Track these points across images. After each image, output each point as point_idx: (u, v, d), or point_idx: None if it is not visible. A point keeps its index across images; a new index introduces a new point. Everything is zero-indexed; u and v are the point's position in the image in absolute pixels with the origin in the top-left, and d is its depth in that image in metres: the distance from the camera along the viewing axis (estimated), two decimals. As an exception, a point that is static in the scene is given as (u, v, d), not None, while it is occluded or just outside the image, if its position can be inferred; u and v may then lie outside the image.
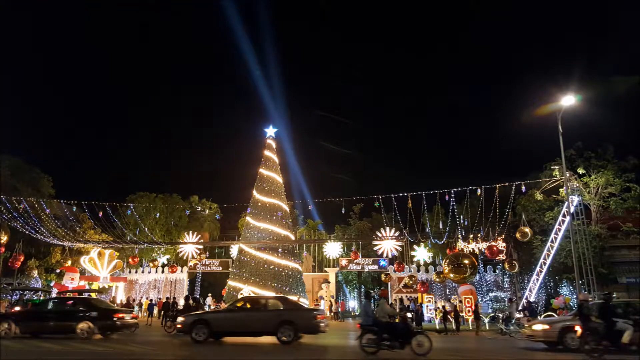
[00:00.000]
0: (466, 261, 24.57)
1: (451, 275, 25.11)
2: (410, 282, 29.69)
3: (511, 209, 29.01)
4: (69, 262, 34.45)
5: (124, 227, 34.99)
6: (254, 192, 32.69)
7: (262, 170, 33.12)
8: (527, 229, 26.23)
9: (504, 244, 28.29)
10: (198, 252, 34.50)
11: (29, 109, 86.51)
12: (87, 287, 31.49)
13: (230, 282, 30.61)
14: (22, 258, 30.37)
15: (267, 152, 33.74)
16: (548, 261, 27.38)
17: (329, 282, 34.03)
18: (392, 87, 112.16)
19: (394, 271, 31.20)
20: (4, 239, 29.66)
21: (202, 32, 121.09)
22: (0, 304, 26.48)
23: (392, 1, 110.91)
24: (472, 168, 75.57)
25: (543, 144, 70.83)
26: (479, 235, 29.37)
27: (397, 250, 31.40)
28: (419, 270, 32.08)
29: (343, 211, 33.10)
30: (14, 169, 35.92)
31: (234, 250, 35.56)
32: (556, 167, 28.37)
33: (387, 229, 31.20)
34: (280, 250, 30.86)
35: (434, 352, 10.73)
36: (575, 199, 26.43)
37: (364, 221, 43.83)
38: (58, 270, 35.91)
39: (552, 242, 27.33)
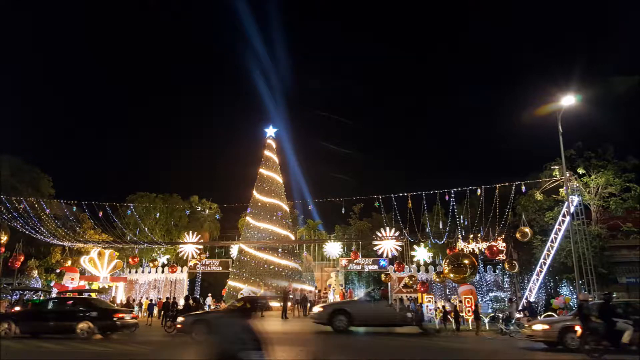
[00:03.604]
0: (466, 261, 24.56)
1: (451, 275, 25.11)
2: (410, 282, 29.69)
3: (511, 209, 29.00)
4: (69, 262, 34.42)
5: (124, 227, 35.00)
6: (254, 192, 32.71)
7: (262, 170, 33.14)
8: (527, 229, 26.22)
9: (504, 244, 28.30)
10: (198, 252, 34.52)
11: (29, 109, 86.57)
12: (87, 287, 31.49)
13: (230, 282, 30.64)
14: (22, 258, 30.36)
15: (267, 152, 33.75)
16: (548, 261, 27.37)
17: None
18: (392, 87, 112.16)
19: (394, 271, 31.21)
20: (4, 239, 29.65)
21: (202, 32, 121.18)
22: (0, 304, 26.48)
23: (392, 1, 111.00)
24: (472, 168, 75.56)
25: (543, 144, 70.84)
26: (479, 235, 29.39)
27: (397, 250, 31.40)
28: (419, 270, 32.08)
29: (343, 211, 33.18)
30: (14, 169, 35.89)
31: (234, 250, 35.59)
32: (556, 167, 28.36)
33: (387, 229, 31.22)
34: (280, 250, 30.90)
35: (433, 352, 10.73)
36: (575, 199, 26.42)
37: (364, 221, 43.85)
38: (58, 270, 35.89)
39: (552, 242, 27.31)
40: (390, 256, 32.06)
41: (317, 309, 15.16)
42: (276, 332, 15.37)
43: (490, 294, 32.08)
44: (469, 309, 23.76)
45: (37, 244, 35.24)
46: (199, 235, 36.90)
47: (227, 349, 3.38)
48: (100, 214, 31.97)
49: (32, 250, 35.41)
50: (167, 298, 24.89)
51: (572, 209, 24.68)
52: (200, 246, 35.21)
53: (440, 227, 30.75)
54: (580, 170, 29.17)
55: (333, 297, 29.56)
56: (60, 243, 34.48)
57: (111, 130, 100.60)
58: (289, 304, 23.08)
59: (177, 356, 11.71)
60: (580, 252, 23.94)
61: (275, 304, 26.05)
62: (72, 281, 31.75)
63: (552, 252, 27.29)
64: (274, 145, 34.38)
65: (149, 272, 36.03)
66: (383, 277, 31.77)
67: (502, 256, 27.98)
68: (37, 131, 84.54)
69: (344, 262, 33.50)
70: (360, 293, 44.05)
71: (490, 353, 11.89)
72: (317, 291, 29.49)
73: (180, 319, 14.79)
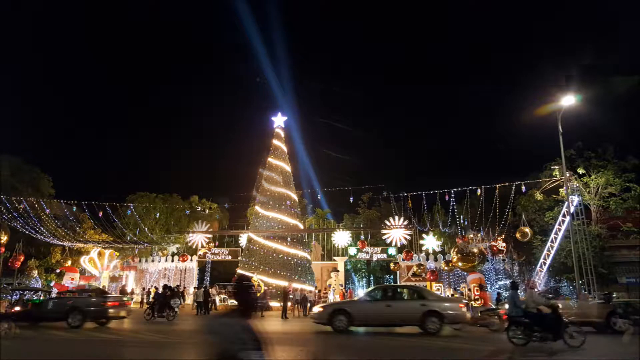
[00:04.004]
0: (475, 250, 24.62)
1: (460, 264, 25.11)
2: (419, 270, 29.59)
3: (511, 209, 29.02)
4: (69, 262, 34.48)
5: (124, 227, 35.03)
6: (263, 182, 33.16)
7: (271, 160, 33.45)
8: (527, 229, 26.24)
9: (504, 244, 28.31)
10: (207, 241, 35.03)
11: (29, 109, 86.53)
12: (87, 287, 31.51)
13: (239, 271, 30.72)
14: (22, 258, 30.39)
15: (275, 141, 33.87)
16: (548, 261, 27.39)
17: (337, 271, 33.70)
18: (391, 87, 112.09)
19: (403, 260, 31.15)
20: (4, 239, 29.63)
21: (202, 32, 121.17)
22: (0, 304, 26.46)
23: (392, 1, 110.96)
24: (472, 168, 75.42)
25: (543, 144, 70.74)
26: (479, 235, 29.40)
27: (405, 239, 31.41)
28: (427, 259, 32.04)
29: (352, 199, 33.34)
30: (14, 169, 35.88)
31: (243, 239, 35.84)
32: (556, 167, 28.38)
33: (396, 217, 31.30)
34: (289, 239, 31.02)
35: (433, 352, 10.72)
36: (575, 199, 26.43)
37: (372, 210, 43.63)
38: (58, 270, 35.92)
39: (552, 242, 27.33)
40: (399, 245, 32.08)
41: (317, 309, 15.19)
42: (276, 332, 15.38)
43: (500, 282, 32.12)
44: (478, 297, 23.78)
45: (37, 244, 35.26)
46: (208, 225, 37.46)
47: (227, 349, 3.36)
48: (100, 214, 32.02)
49: (32, 250, 35.43)
50: (167, 287, 22.62)
51: (572, 209, 24.69)
52: (210, 235, 35.76)
53: (440, 227, 30.74)
54: (580, 170, 29.17)
55: (333, 297, 29.53)
56: (60, 243, 34.51)
57: (111, 130, 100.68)
58: (289, 304, 23.06)
59: (177, 356, 11.69)
60: (580, 252, 23.95)
61: (275, 304, 26.06)
62: (72, 281, 31.77)
63: (552, 252, 27.31)
64: (282, 134, 34.42)
65: (159, 260, 36.21)
66: (392, 265, 31.83)
67: (502, 256, 28.00)
68: (37, 131, 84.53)
69: (353, 250, 33.51)
70: (360, 292, 44.11)
71: (491, 353, 11.89)
72: (317, 291, 29.47)
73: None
